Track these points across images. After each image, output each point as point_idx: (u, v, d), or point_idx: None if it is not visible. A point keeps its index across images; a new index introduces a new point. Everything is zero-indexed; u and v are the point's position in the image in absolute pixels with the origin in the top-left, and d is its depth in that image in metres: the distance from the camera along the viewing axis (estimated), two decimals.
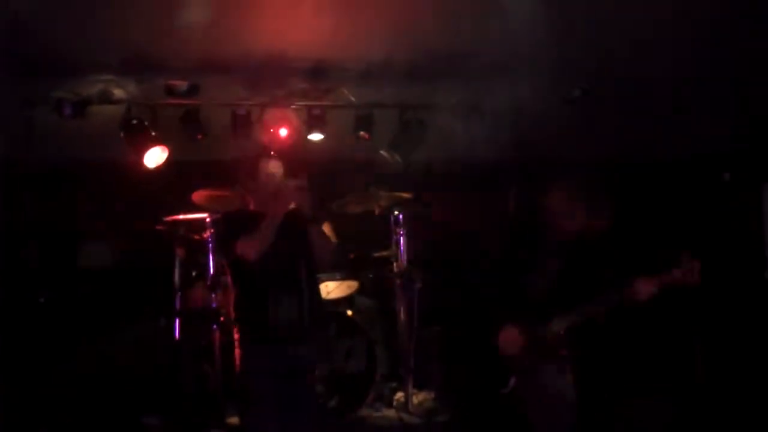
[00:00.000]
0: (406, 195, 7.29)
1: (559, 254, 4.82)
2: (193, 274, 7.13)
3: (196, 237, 7.07)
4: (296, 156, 7.24)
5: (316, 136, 7.43)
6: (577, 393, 4.77)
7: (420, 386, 7.29)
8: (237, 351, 4.86)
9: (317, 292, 5.20)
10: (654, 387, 6.83)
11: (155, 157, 7.18)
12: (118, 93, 7.13)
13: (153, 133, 7.10)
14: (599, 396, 5.72)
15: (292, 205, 4.78)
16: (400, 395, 7.20)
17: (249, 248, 4.67)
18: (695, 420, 6.26)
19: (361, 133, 7.38)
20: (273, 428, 4.70)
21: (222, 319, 6.69)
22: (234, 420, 6.41)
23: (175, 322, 6.93)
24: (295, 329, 4.83)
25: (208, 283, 6.88)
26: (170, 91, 7.05)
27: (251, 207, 5.00)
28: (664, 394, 6.72)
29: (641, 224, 7.81)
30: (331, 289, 7.27)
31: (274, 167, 4.96)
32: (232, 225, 4.95)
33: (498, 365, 4.83)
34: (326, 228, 6.73)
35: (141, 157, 7.11)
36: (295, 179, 4.86)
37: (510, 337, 4.76)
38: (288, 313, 4.80)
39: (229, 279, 5.05)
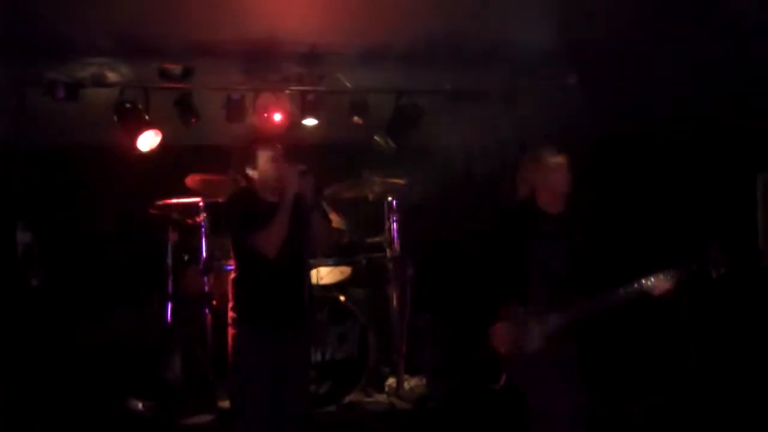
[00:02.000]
0: (399, 181, 7.27)
1: (554, 234, 4.75)
2: (186, 258, 7.11)
3: (189, 221, 7.06)
4: (290, 141, 7.28)
5: (310, 122, 7.43)
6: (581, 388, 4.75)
7: (412, 372, 7.29)
8: (231, 331, 4.84)
9: (310, 277, 5.23)
10: (653, 383, 6.86)
11: (148, 140, 7.17)
12: (111, 76, 7.10)
13: (146, 117, 7.08)
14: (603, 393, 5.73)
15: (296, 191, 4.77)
16: (391, 381, 7.20)
17: (268, 245, 4.66)
18: (694, 415, 6.25)
19: (356, 118, 7.38)
20: (265, 411, 4.70)
21: (214, 303, 6.68)
22: (225, 404, 6.40)
23: (167, 306, 6.92)
24: (296, 314, 4.84)
25: (201, 267, 6.87)
26: (164, 75, 7.03)
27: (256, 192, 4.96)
28: (663, 390, 6.74)
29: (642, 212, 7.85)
30: (323, 274, 7.25)
31: (274, 154, 4.92)
32: (243, 207, 4.89)
33: (490, 359, 4.76)
34: (332, 216, 6.74)
35: (134, 140, 7.09)
36: (297, 165, 4.84)
37: (502, 334, 4.69)
38: (290, 298, 4.80)
39: (229, 261, 5.02)
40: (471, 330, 4.88)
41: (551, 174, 4.79)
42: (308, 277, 5.11)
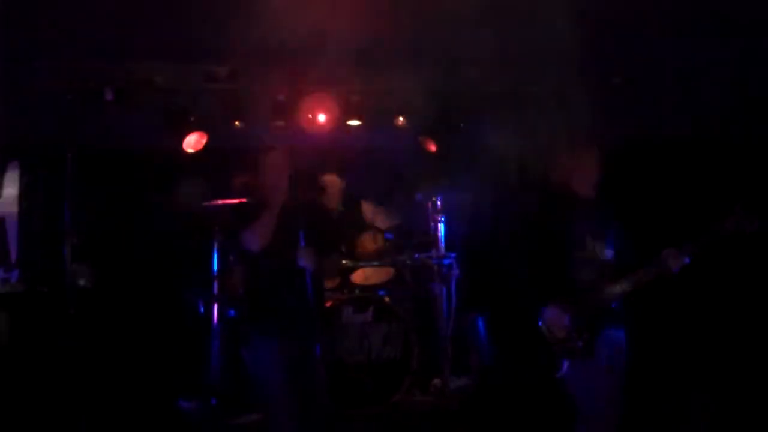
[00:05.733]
0: (445, 181, 7.27)
1: (591, 217, 4.77)
2: (231, 259, 7.16)
3: None
4: (335, 143, 7.33)
5: (354, 123, 7.45)
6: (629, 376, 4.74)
7: (457, 373, 7.28)
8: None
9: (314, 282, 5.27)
10: (705, 380, 6.80)
11: (194, 142, 7.23)
12: (158, 79, 7.17)
13: (192, 119, 7.14)
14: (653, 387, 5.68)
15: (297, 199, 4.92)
16: (436, 381, 7.20)
17: (250, 240, 4.80)
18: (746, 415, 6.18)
19: (400, 119, 7.39)
20: (290, 417, 4.73)
21: None
22: None
23: (213, 307, 6.97)
24: (303, 319, 4.88)
25: None
26: (210, 77, 7.09)
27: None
28: (715, 388, 6.67)
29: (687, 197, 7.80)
30: (368, 274, 7.28)
31: (276, 160, 5.00)
32: (237, 216, 5.07)
33: (546, 350, 4.73)
34: (379, 216, 6.79)
35: (181, 142, 7.16)
36: (321, 176, 4.96)
37: (555, 318, 4.66)
38: (294, 303, 4.85)
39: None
40: (517, 326, 4.84)
41: (585, 159, 4.85)
42: (306, 281, 4.99)
